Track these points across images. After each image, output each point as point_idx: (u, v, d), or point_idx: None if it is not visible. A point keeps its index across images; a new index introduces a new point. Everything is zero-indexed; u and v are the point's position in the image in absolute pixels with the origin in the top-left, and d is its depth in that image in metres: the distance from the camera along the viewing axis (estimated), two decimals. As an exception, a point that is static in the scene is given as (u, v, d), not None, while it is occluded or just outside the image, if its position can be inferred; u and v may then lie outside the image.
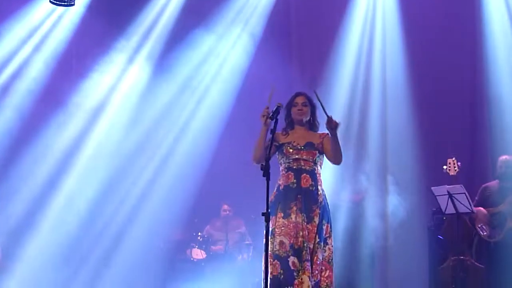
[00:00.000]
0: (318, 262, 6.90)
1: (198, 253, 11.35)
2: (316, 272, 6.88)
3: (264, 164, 6.52)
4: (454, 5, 11.42)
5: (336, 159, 7.04)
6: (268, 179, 6.53)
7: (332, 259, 7.02)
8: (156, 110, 11.75)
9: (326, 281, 6.94)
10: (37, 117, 11.16)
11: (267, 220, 6.53)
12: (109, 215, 11.27)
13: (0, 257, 10.38)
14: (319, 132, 7.23)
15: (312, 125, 7.23)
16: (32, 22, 11.42)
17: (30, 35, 11.43)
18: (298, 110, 7.13)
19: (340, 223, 9.76)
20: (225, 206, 11.66)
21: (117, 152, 11.46)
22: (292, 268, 6.78)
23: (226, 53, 11.97)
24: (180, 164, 11.56)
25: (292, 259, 6.79)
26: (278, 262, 6.83)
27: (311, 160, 7.04)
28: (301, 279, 6.77)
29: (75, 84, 11.43)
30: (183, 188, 11.35)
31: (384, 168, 11.19)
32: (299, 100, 7.17)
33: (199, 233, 11.47)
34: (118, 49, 11.58)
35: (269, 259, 6.78)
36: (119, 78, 11.72)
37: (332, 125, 6.89)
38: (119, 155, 11.45)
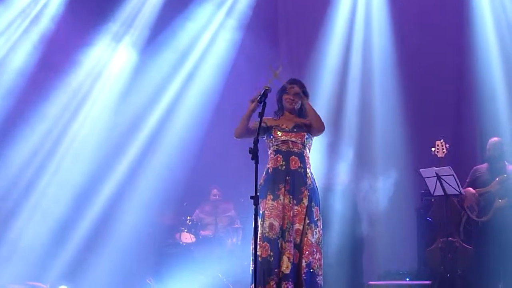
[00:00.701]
0: (309, 243, 6.89)
1: (187, 237, 11.29)
2: (307, 253, 6.86)
3: (252, 147, 6.48)
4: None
5: (316, 123, 7.06)
6: (256, 162, 6.53)
7: (321, 242, 7.01)
8: (144, 95, 11.71)
9: (318, 262, 6.91)
10: (25, 102, 11.12)
11: (256, 203, 6.52)
12: (99, 200, 11.25)
13: None
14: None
15: (302, 113, 7.20)
16: (18, 8, 11.31)
17: (16, 21, 11.32)
18: (290, 99, 7.12)
19: (330, 205, 9.80)
20: (215, 191, 11.64)
21: (106, 138, 11.43)
22: (281, 250, 6.80)
23: (211, 39, 11.92)
24: (169, 149, 11.56)
25: (281, 241, 6.81)
26: (268, 244, 6.80)
27: (299, 142, 7.02)
28: (282, 260, 6.81)
29: (63, 69, 11.33)
30: (173, 173, 11.39)
31: (373, 151, 11.19)
32: (292, 90, 7.13)
33: (188, 217, 11.40)
34: (104, 34, 11.54)
35: (258, 242, 6.72)
36: (107, 61, 11.69)
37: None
38: (108, 141, 11.42)
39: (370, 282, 9.82)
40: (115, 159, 11.48)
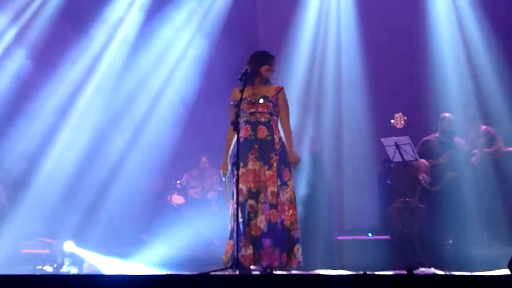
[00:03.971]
0: (281, 202, 6.96)
1: (177, 199, 11.47)
2: (280, 211, 6.93)
3: (234, 120, 6.77)
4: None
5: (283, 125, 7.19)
6: (238, 133, 6.83)
7: (294, 199, 7.07)
8: (139, 72, 11.68)
9: (290, 219, 6.98)
10: (34, 79, 11.21)
11: (238, 169, 6.74)
12: (100, 166, 11.29)
13: (6, 202, 10.50)
14: (273, 85, 7.26)
15: (267, 80, 7.23)
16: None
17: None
18: (271, 71, 7.20)
19: (301, 170, 9.68)
20: (204, 158, 11.74)
21: (105, 111, 11.42)
22: (249, 210, 6.87)
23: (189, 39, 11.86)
24: (161, 121, 11.55)
25: (249, 202, 6.87)
26: (240, 207, 6.83)
27: (266, 112, 7.07)
28: (258, 219, 6.88)
29: (67, 52, 11.40)
30: (165, 142, 11.36)
31: (340, 123, 11.31)
32: (273, 65, 7.23)
33: (178, 181, 11.57)
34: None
35: (232, 204, 6.96)
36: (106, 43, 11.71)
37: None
38: (107, 113, 11.43)
39: (339, 237, 9.97)
40: (114, 130, 11.45)
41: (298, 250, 7.00)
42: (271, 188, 6.96)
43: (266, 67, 7.17)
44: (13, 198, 10.69)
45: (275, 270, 6.87)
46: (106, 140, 11.48)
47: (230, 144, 7.23)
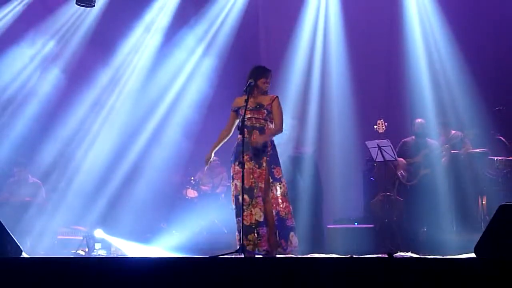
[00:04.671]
0: (276, 197, 6.96)
1: (191, 193, 11.41)
2: (275, 204, 6.94)
3: (240, 125, 6.79)
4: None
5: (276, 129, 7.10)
6: (243, 136, 6.79)
7: (287, 194, 7.05)
8: (160, 83, 11.69)
9: (285, 210, 6.96)
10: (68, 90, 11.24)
11: (243, 167, 6.73)
12: (126, 162, 11.26)
13: (45, 196, 10.47)
14: (269, 95, 7.18)
15: (264, 91, 7.15)
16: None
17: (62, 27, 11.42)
18: (267, 83, 7.11)
19: (299, 169, 9.89)
20: (214, 157, 11.44)
21: (131, 115, 11.48)
22: (250, 203, 6.85)
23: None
24: (177, 126, 11.50)
25: (244, 196, 6.79)
26: (235, 200, 6.95)
27: (261, 118, 7.02)
28: (251, 211, 6.84)
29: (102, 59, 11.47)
30: (182, 143, 11.34)
31: (331, 128, 11.23)
32: (269, 78, 7.17)
33: (192, 177, 11.52)
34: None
35: (232, 198, 7.01)
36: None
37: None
38: (133, 117, 11.47)
39: (328, 226, 9.99)
40: (139, 130, 11.45)
41: (293, 237, 6.96)
42: (260, 185, 6.94)
43: (262, 79, 7.10)
44: (50, 192, 10.66)
45: (273, 254, 6.85)
46: (131, 141, 11.44)
47: (219, 141, 7.23)
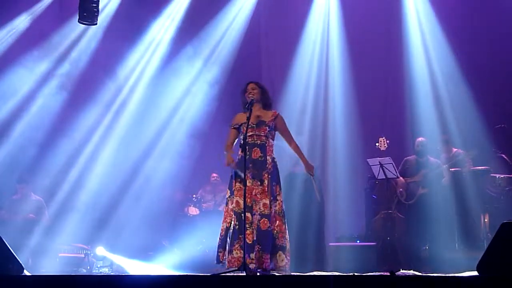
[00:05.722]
0: (271, 214, 6.94)
1: (193, 210, 11.34)
2: (271, 222, 6.92)
3: (242, 142, 6.79)
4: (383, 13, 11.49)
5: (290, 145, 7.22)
6: (245, 154, 6.81)
7: (281, 212, 7.03)
8: (165, 102, 11.72)
9: (276, 229, 6.94)
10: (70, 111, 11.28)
11: (245, 185, 6.74)
12: (127, 179, 11.27)
13: (47, 213, 10.42)
14: (272, 110, 7.23)
15: (265, 104, 7.20)
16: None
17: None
18: (248, 94, 7.10)
19: (299, 187, 9.80)
20: (214, 175, 11.56)
21: (133, 135, 11.47)
22: (250, 221, 6.83)
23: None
24: (180, 144, 11.44)
25: (246, 214, 6.78)
26: (235, 216, 6.88)
27: (262, 135, 7.03)
28: (252, 230, 6.82)
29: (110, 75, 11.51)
30: (183, 162, 11.34)
31: (333, 147, 11.22)
32: (249, 87, 7.17)
33: (194, 195, 11.47)
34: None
35: (230, 213, 6.97)
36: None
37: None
38: (134, 138, 11.46)
39: (330, 244, 9.99)
40: (141, 148, 11.43)
41: (280, 256, 6.92)
42: (264, 201, 6.92)
43: (246, 93, 7.17)
44: (51, 209, 10.63)
45: (263, 272, 6.82)
46: (133, 160, 11.41)
47: (227, 150, 7.15)
